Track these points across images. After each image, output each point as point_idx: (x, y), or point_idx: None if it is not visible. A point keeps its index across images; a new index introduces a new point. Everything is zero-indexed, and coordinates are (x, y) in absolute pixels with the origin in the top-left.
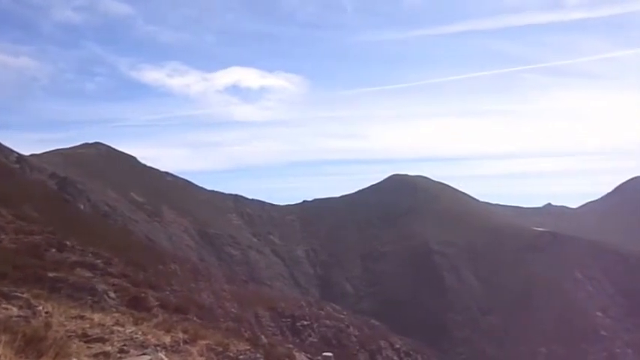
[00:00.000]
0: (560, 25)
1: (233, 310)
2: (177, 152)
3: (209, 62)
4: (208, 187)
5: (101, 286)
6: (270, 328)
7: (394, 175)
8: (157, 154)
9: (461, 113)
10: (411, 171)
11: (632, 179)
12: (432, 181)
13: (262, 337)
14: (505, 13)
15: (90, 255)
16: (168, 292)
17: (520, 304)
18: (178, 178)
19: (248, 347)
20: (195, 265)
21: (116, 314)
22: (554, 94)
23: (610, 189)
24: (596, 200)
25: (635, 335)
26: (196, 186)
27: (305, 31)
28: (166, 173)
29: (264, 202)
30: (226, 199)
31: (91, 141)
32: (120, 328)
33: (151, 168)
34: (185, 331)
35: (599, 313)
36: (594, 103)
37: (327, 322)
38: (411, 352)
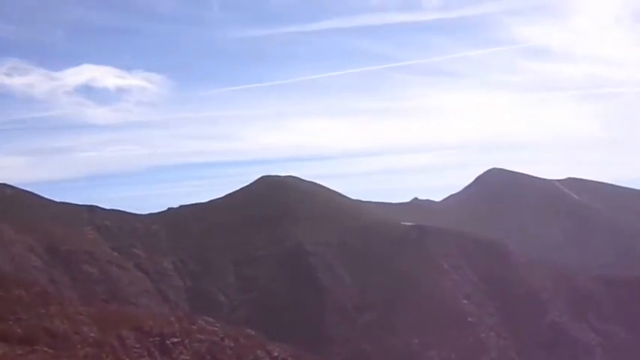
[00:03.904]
0: (419, 25)
1: (92, 334)
2: (18, 160)
3: (56, 60)
4: (58, 199)
5: None
6: (136, 350)
7: (264, 176)
8: None
9: (329, 112)
10: (283, 171)
11: (488, 171)
12: (304, 181)
13: None
14: (368, 12)
15: None
16: (11, 322)
17: (394, 298)
18: (20, 190)
19: None
20: (45, 288)
21: None
22: (416, 91)
23: (469, 181)
24: (457, 193)
25: (497, 319)
26: (43, 198)
27: (167, 27)
28: (5, 185)
29: (124, 212)
30: (80, 211)
31: None
32: None
33: None
34: None
35: (465, 301)
36: (453, 99)
37: (200, 336)
38: (290, 359)
